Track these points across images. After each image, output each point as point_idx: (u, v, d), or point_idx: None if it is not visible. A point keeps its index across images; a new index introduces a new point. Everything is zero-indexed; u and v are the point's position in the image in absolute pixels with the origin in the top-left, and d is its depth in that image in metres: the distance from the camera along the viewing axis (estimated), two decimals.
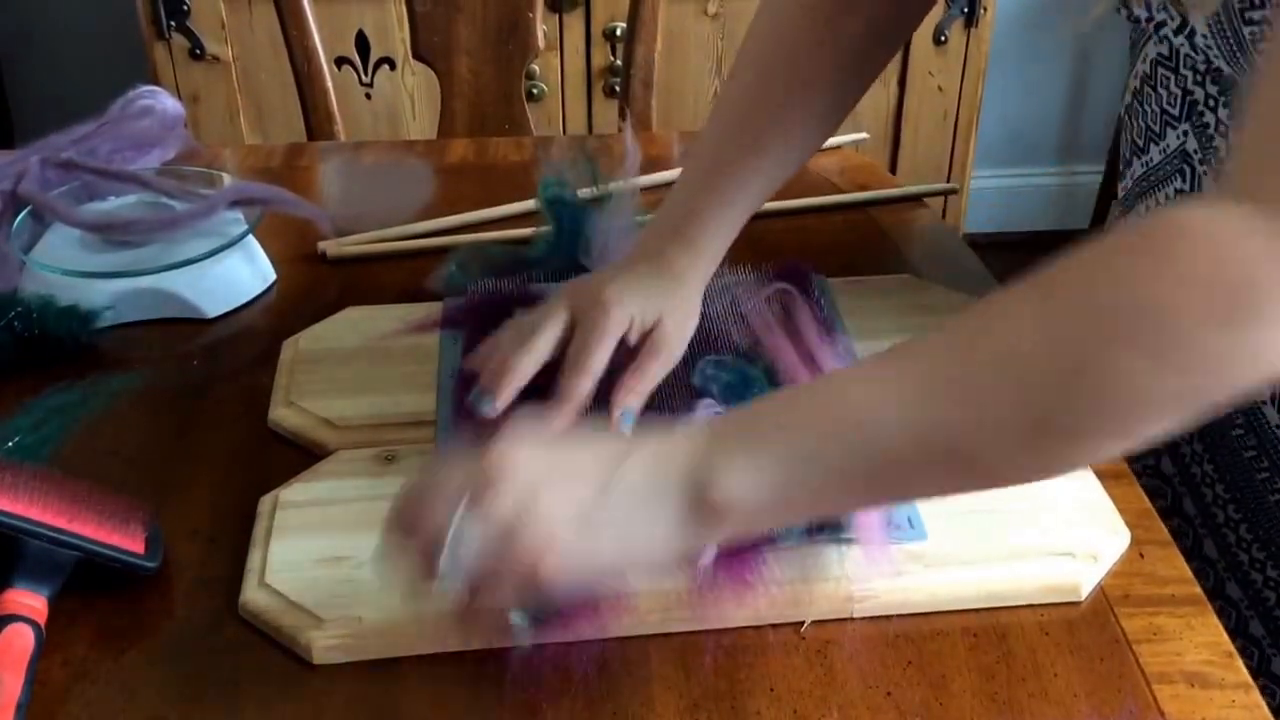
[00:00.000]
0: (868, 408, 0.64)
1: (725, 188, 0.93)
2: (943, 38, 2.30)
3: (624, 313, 0.87)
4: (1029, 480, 0.67)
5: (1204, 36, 0.83)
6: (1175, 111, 0.92)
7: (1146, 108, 0.95)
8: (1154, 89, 0.93)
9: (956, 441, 0.63)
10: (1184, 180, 0.92)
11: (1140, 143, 0.97)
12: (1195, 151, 0.91)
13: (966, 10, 2.30)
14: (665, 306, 0.89)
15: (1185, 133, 0.91)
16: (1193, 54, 0.88)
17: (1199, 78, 0.89)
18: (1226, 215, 0.60)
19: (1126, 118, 1.00)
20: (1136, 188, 0.99)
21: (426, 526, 0.66)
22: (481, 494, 0.65)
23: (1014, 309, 0.64)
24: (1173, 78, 0.91)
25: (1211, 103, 0.88)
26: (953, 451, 0.64)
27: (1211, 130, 0.89)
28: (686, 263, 0.92)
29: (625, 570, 0.70)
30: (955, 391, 0.63)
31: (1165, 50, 0.91)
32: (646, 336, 0.89)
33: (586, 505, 0.65)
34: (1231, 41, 0.81)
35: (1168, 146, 0.94)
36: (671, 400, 0.90)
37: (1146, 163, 0.97)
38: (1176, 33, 0.86)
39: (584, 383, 0.85)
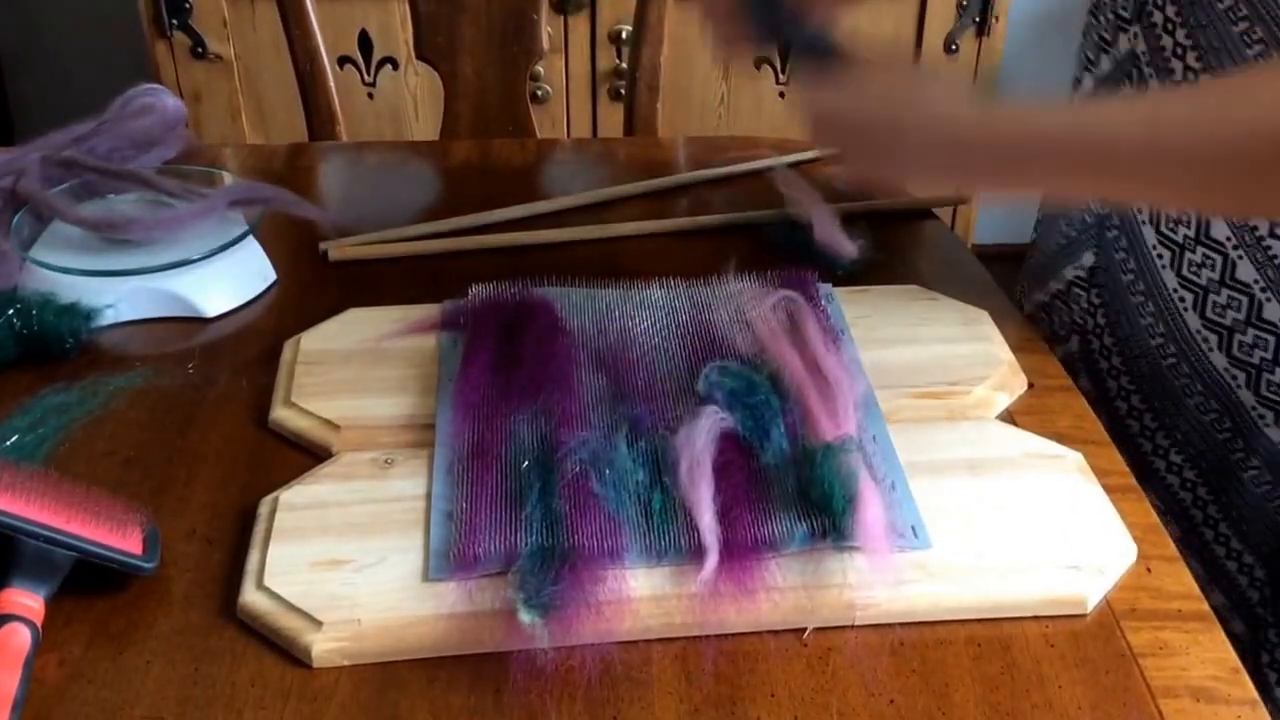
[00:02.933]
0: (1113, 136, 0.74)
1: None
2: (954, 46, 2.30)
3: None
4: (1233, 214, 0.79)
5: None
6: (1128, 14, 0.95)
7: (1101, 18, 0.99)
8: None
9: (1183, 186, 0.74)
10: (1131, 84, 0.95)
11: (1092, 57, 1.01)
12: (1144, 53, 0.93)
13: (978, 20, 2.30)
14: None
15: (1136, 34, 0.94)
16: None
17: None
18: None
19: (1083, 38, 1.03)
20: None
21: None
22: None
23: (1242, 85, 0.73)
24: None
25: (1159, 2, 0.91)
26: (1179, 188, 0.75)
27: (1159, 30, 0.91)
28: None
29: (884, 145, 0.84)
30: (1194, 150, 0.71)
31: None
32: None
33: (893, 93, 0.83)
34: None
35: (1119, 53, 0.96)
36: (676, 407, 0.89)
37: (1098, 75, 1.00)
38: None
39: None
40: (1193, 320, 0.96)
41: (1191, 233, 0.94)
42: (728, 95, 2.31)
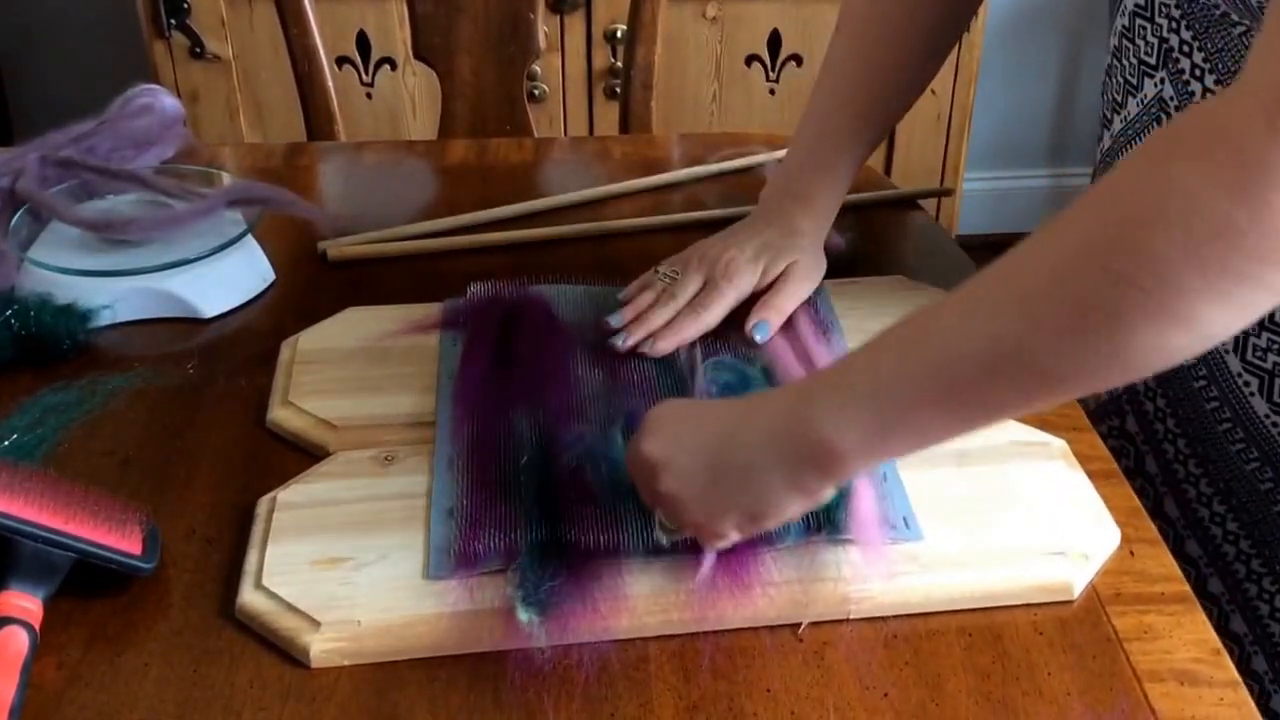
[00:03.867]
0: (940, 333, 0.68)
1: (832, 154, 1.04)
2: None
3: (748, 279, 0.99)
4: (1103, 382, 0.67)
5: None
6: (1152, 60, 0.94)
7: (1125, 61, 0.97)
8: (1132, 41, 0.95)
9: (1017, 347, 0.65)
10: (1159, 128, 0.94)
11: (1119, 98, 0.99)
12: (1171, 99, 0.92)
13: None
14: (796, 254, 1.01)
15: (1162, 80, 0.93)
16: (1167, 1, 0.90)
17: (1174, 24, 0.91)
18: (1239, 102, 0.62)
19: (1107, 78, 1.02)
20: (1115, 144, 1.00)
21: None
22: (634, 441, 0.77)
23: (1061, 220, 0.66)
24: (1149, 27, 0.92)
25: (1186, 48, 0.90)
26: (1017, 358, 0.65)
27: (1187, 75, 0.90)
28: (807, 221, 1.03)
29: (757, 517, 0.74)
30: (1009, 298, 0.66)
31: (1142, 1, 0.92)
32: (786, 270, 1.01)
33: (707, 450, 0.74)
34: None
35: (1145, 97, 0.95)
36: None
37: (1125, 117, 0.99)
38: None
39: (694, 329, 0.97)
40: (1234, 363, 0.94)
41: None
42: (720, 93, 2.32)
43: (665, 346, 0.96)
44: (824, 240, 1.05)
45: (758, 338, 0.97)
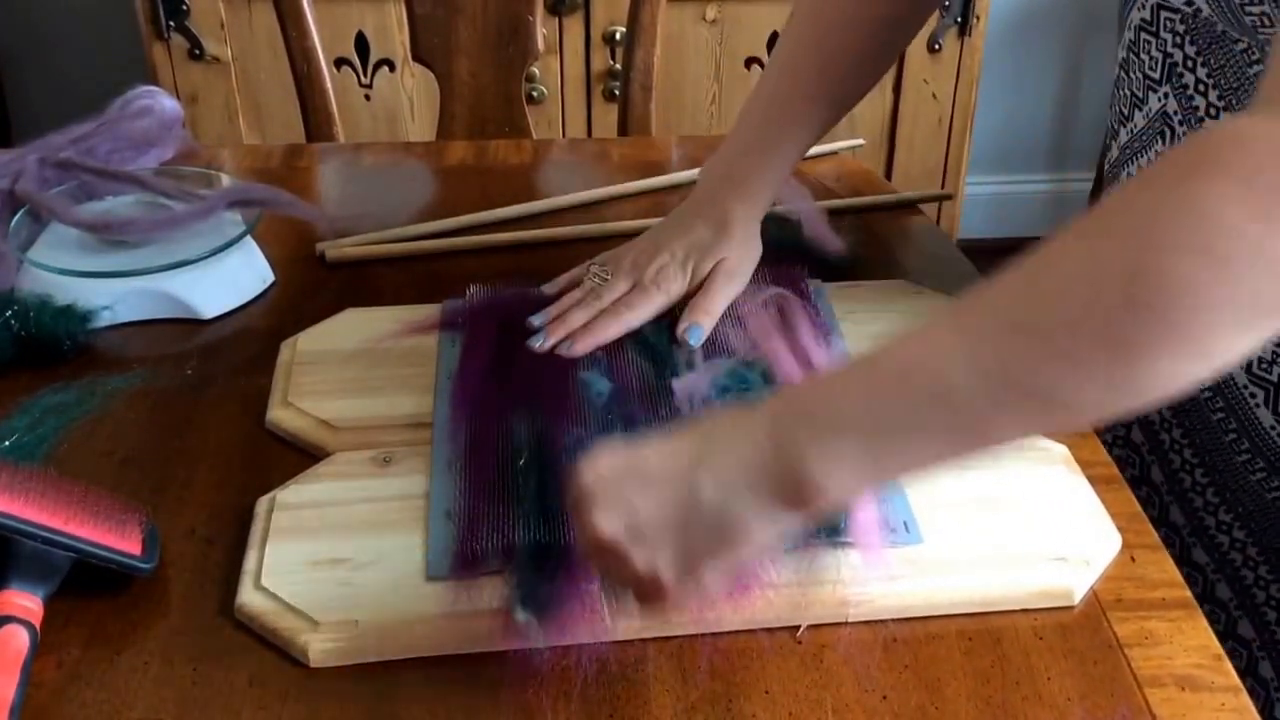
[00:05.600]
0: (936, 360, 0.63)
1: (776, 136, 1.01)
2: (937, 46, 2.32)
3: (678, 284, 0.98)
4: (1110, 412, 0.63)
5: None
6: (1156, 75, 0.94)
7: (1131, 75, 0.98)
8: (1137, 55, 0.95)
9: (1028, 375, 0.61)
10: (1164, 142, 0.94)
11: (1125, 111, 1.00)
12: (1175, 113, 0.93)
13: (960, 20, 2.31)
14: (724, 251, 0.99)
15: (1166, 95, 0.93)
16: (1172, 16, 0.90)
17: (1178, 39, 0.91)
18: (1266, 124, 0.60)
19: (1115, 90, 1.02)
20: (1122, 155, 1.01)
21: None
22: (581, 521, 0.68)
23: (1069, 241, 0.63)
24: (1154, 42, 0.93)
25: (1190, 63, 0.91)
26: (1026, 387, 0.62)
27: (1191, 90, 0.91)
28: (741, 209, 1.01)
29: (730, 561, 0.68)
30: (1020, 325, 0.62)
31: (1148, 15, 0.93)
32: (714, 269, 0.99)
33: (678, 511, 0.66)
34: (1224, 7, 0.83)
35: (1150, 110, 0.95)
36: (671, 403, 0.90)
37: (1131, 129, 0.99)
38: None
39: (614, 329, 0.96)
40: (1239, 375, 0.94)
41: None
42: (719, 95, 2.32)
43: (582, 348, 0.94)
44: (758, 228, 1.03)
45: (691, 342, 0.96)
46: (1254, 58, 0.86)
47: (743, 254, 1.01)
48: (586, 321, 0.96)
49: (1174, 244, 0.58)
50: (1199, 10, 0.88)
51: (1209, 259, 0.57)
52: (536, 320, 0.97)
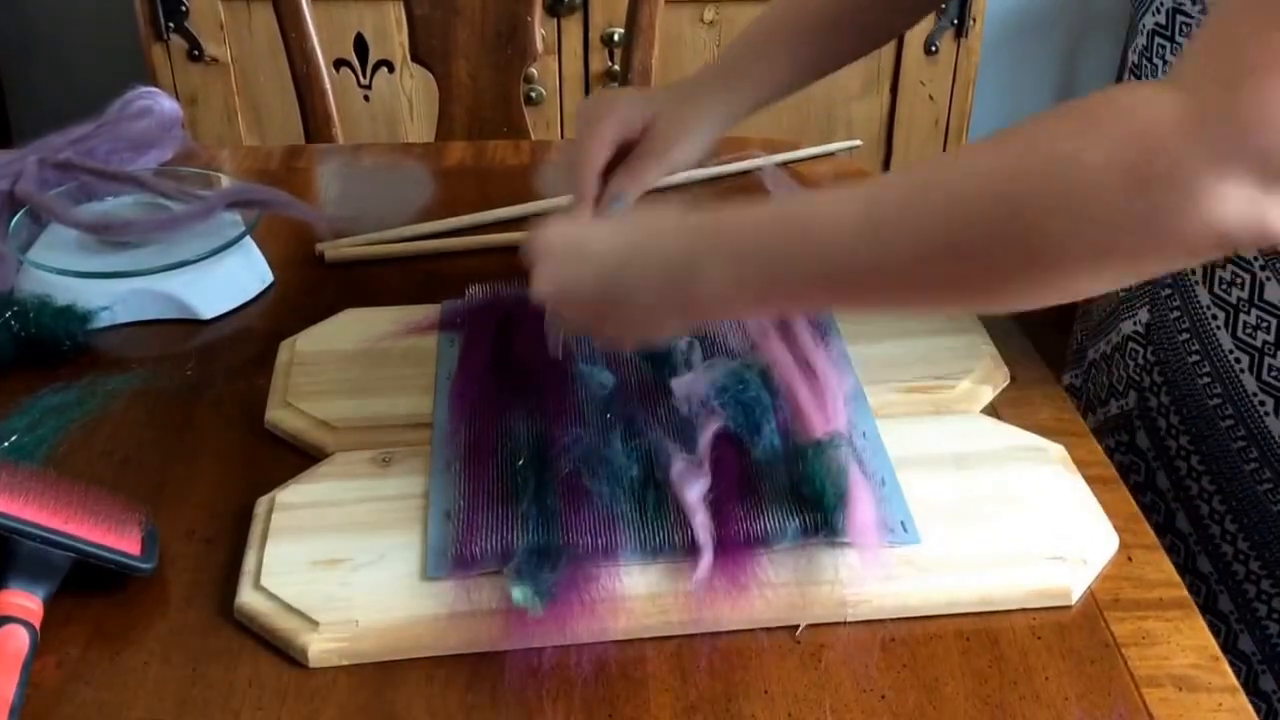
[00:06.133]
0: (831, 228, 0.72)
1: (729, 78, 1.01)
2: (933, 48, 2.32)
3: (618, 117, 0.97)
4: (962, 311, 0.76)
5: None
6: None
7: (1145, 78, 0.96)
8: (1150, 60, 0.95)
9: (899, 264, 0.70)
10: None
11: None
12: None
13: (956, 21, 2.31)
14: (663, 108, 0.97)
15: None
16: (1187, 21, 0.89)
17: None
18: (1156, 94, 0.63)
19: None
20: None
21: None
22: (532, 266, 0.82)
23: (965, 158, 0.71)
24: (1169, 46, 0.92)
25: None
26: (895, 272, 0.70)
27: None
28: (699, 92, 0.99)
29: (623, 332, 0.82)
30: (905, 219, 0.69)
31: (1163, 20, 0.92)
32: (644, 134, 0.97)
33: (593, 280, 0.79)
34: None
35: None
36: (670, 404, 0.90)
37: None
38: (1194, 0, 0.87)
39: (585, 175, 0.96)
40: (1249, 382, 0.94)
41: (1245, 294, 0.92)
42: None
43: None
44: (704, 132, 0.98)
45: (612, 211, 0.95)
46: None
47: (677, 126, 0.97)
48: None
49: (1047, 192, 0.64)
50: None
51: (1073, 214, 0.63)
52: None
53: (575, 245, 0.82)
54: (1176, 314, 0.99)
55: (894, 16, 1.05)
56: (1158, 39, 0.93)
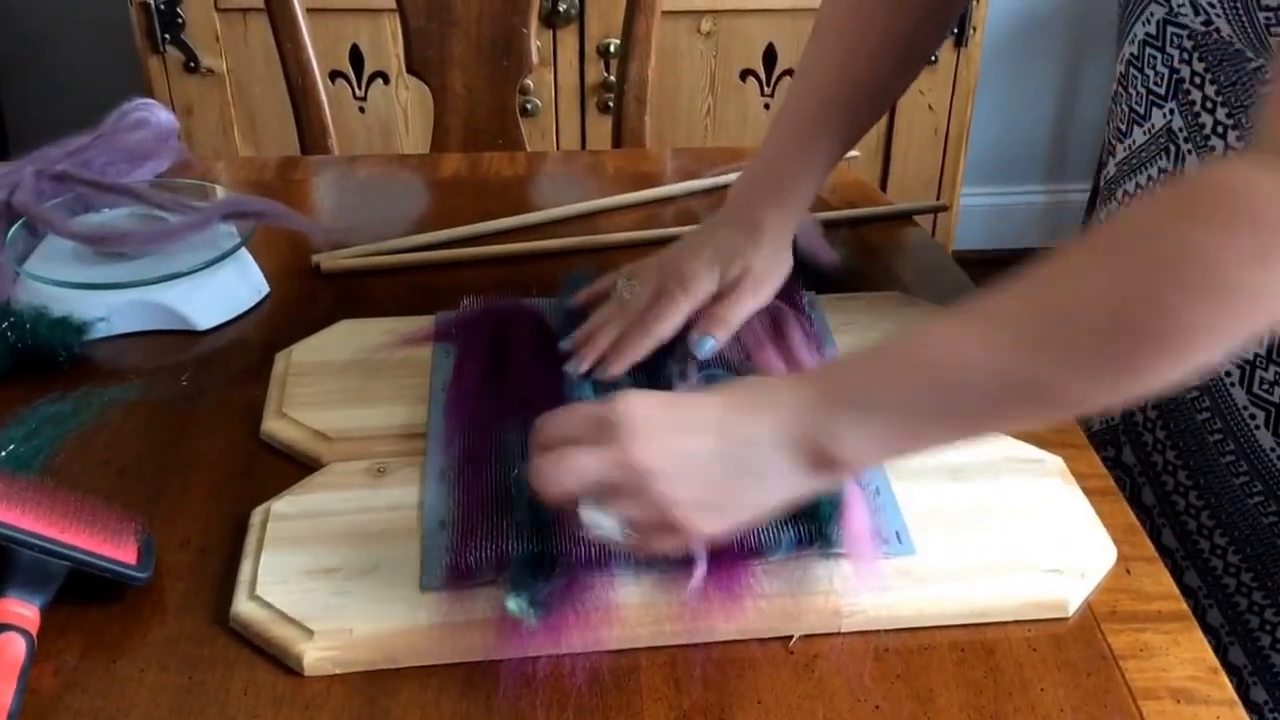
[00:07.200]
0: (958, 356, 0.70)
1: (809, 145, 1.01)
2: (933, 58, 2.32)
3: (705, 286, 0.95)
4: (1103, 409, 0.74)
5: (1218, 15, 0.85)
6: (1161, 90, 0.94)
7: (1132, 90, 0.97)
8: (1140, 70, 0.95)
9: (1037, 377, 0.69)
10: (1168, 159, 0.94)
11: (1124, 127, 0.99)
12: (1180, 130, 0.92)
13: (956, 31, 2.32)
14: (752, 258, 0.97)
15: (1171, 111, 0.93)
16: (1179, 32, 0.90)
17: (1186, 56, 0.90)
18: (1256, 171, 0.66)
19: (1112, 105, 1.01)
20: (1119, 171, 1.00)
21: (563, 484, 0.72)
22: (609, 444, 0.72)
23: (1083, 258, 0.70)
24: (1159, 57, 0.92)
25: (1198, 80, 0.90)
26: (1036, 391, 0.70)
27: (1198, 107, 0.90)
28: (773, 215, 0.99)
29: (747, 515, 0.74)
30: (1035, 333, 0.69)
31: (1153, 30, 0.92)
32: (740, 277, 0.96)
33: (711, 456, 0.72)
34: (1247, 27, 0.83)
35: (1153, 126, 0.95)
36: None
37: (1130, 145, 0.98)
38: (1196, 13, 0.88)
39: (645, 345, 0.93)
40: (1239, 395, 0.94)
41: None
42: (714, 107, 2.33)
43: (617, 369, 0.93)
44: (789, 240, 1.01)
45: (698, 354, 0.93)
46: (1268, 76, 0.85)
47: (771, 265, 0.98)
48: (616, 338, 0.94)
49: (1177, 283, 0.65)
50: (1216, 30, 0.87)
51: (1207, 300, 0.65)
52: (565, 344, 0.96)
53: (678, 417, 0.74)
54: None
55: (922, 53, 1.06)
56: (1148, 49, 0.93)
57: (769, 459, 0.72)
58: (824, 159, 1.01)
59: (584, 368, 0.93)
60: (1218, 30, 0.86)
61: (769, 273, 0.98)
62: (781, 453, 0.72)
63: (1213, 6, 0.85)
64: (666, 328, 0.94)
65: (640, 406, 0.73)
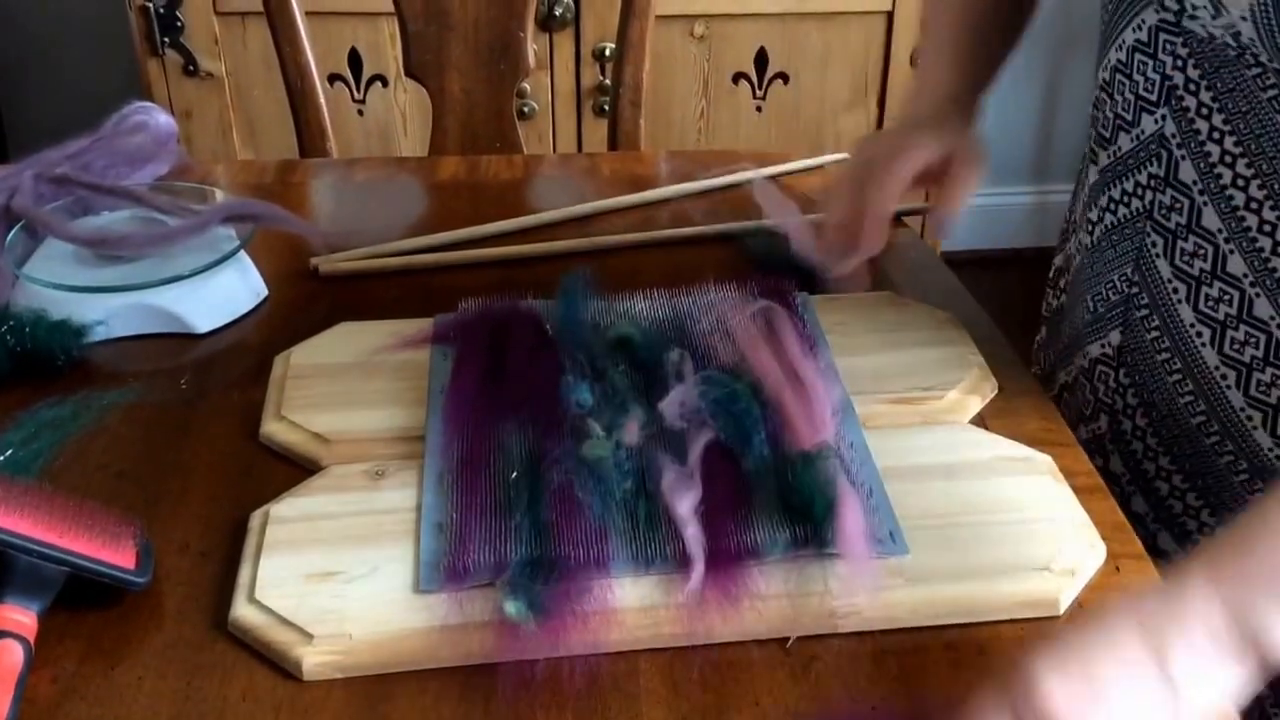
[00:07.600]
0: None
1: (969, 57, 1.11)
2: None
3: (924, 150, 1.03)
4: None
5: (1242, 19, 0.84)
6: (1153, 96, 0.93)
7: (1118, 96, 0.97)
8: (1128, 76, 0.95)
9: None
10: (1159, 164, 0.94)
11: (1108, 134, 0.99)
12: (1174, 135, 0.92)
13: None
14: (956, 144, 1.05)
15: (1164, 116, 0.92)
16: (1173, 39, 0.90)
17: (1179, 62, 0.90)
18: None
19: (1094, 112, 1.01)
20: (1103, 178, 1.00)
21: None
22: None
23: None
24: (1150, 63, 0.92)
25: (1192, 86, 0.90)
26: None
27: (1192, 114, 0.90)
28: (959, 119, 1.08)
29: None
30: None
31: (1144, 36, 0.92)
32: (949, 164, 1.04)
33: (1162, 708, 0.65)
34: (1275, 31, 0.82)
35: (1142, 132, 0.95)
36: (660, 415, 0.90)
37: (1114, 152, 0.98)
38: (1213, 17, 0.87)
39: (890, 200, 1.03)
40: (1236, 398, 0.94)
41: (1234, 310, 0.92)
42: (708, 111, 2.33)
43: (869, 249, 1.04)
44: (975, 133, 1.08)
45: (946, 229, 1.05)
46: (1268, 82, 0.85)
47: (972, 153, 1.06)
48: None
49: None
50: (1235, 32, 0.85)
51: None
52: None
53: (1089, 686, 0.65)
54: (1155, 334, 0.98)
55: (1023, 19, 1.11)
56: (1138, 55, 0.93)
57: (1211, 680, 0.66)
58: (983, 73, 1.11)
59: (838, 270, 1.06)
60: (1236, 33, 0.86)
61: (974, 157, 1.06)
62: (1220, 666, 0.66)
63: (1252, 41, 0.84)
64: (882, 206, 1.03)
65: (1058, 695, 0.64)
